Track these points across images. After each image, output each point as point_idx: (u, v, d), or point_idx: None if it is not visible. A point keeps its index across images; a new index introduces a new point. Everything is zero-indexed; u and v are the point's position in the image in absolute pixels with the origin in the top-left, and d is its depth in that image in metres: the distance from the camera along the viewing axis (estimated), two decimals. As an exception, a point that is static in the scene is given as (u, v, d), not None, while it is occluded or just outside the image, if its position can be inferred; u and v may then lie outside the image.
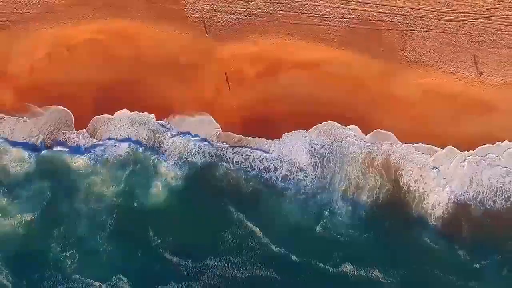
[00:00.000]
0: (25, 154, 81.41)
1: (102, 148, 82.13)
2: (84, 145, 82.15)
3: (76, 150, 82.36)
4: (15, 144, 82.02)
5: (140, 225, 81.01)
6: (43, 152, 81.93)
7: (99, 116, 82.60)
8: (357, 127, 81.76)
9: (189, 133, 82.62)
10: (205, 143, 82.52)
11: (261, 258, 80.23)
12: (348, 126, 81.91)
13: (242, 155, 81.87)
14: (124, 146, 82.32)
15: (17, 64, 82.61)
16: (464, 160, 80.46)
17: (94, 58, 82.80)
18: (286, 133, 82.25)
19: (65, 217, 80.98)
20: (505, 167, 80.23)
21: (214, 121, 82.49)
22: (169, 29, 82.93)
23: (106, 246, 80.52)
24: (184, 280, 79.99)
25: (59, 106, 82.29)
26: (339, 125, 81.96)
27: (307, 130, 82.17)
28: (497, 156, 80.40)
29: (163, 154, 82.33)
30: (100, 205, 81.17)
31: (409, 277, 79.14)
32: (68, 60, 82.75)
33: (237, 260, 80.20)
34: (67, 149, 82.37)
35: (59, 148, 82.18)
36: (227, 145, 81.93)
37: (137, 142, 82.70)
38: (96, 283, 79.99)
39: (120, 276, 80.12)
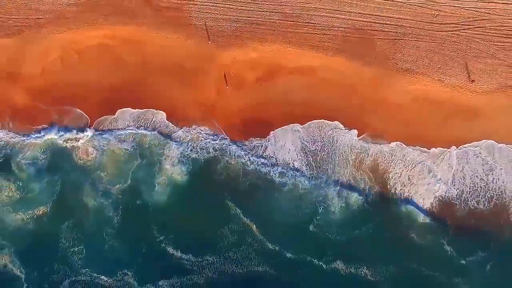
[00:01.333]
0: (37, 152, 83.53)
1: (107, 138, 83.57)
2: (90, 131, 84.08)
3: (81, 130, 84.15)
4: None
5: (144, 220, 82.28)
6: (53, 135, 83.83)
7: (104, 117, 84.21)
8: (349, 128, 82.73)
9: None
10: (207, 132, 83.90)
11: (258, 254, 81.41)
12: (337, 124, 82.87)
13: (242, 152, 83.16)
14: (129, 142, 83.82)
15: (30, 66, 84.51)
16: (450, 151, 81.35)
17: (103, 61, 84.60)
18: (279, 128, 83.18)
19: (73, 213, 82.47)
20: (485, 156, 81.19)
21: (220, 129, 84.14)
22: (173, 35, 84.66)
23: (112, 241, 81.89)
24: (186, 274, 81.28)
25: (77, 110, 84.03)
26: (330, 122, 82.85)
27: (301, 124, 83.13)
28: (475, 147, 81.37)
29: (169, 147, 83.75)
30: (106, 201, 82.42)
31: (397, 274, 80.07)
32: (78, 64, 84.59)
33: (236, 256, 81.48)
34: (74, 132, 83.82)
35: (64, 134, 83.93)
36: (231, 140, 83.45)
37: (142, 138, 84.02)
38: (103, 277, 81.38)
39: (126, 271, 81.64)
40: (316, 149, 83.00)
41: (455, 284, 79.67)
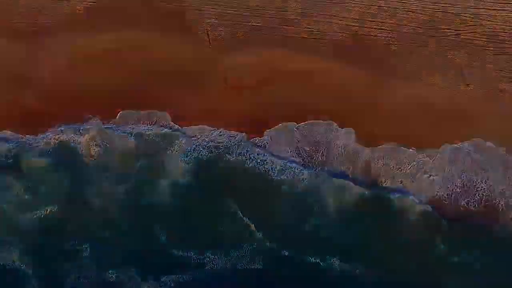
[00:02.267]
0: (45, 153, 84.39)
1: (112, 138, 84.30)
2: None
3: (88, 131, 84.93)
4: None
5: (147, 219, 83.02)
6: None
7: (110, 118, 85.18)
8: (344, 130, 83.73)
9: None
10: (209, 132, 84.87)
11: (256, 252, 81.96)
12: (332, 124, 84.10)
13: (241, 151, 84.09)
14: (133, 142, 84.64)
15: (38, 70, 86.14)
16: (442, 152, 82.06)
17: (108, 65, 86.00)
18: (275, 127, 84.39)
19: (79, 212, 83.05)
20: (473, 152, 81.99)
21: (221, 129, 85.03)
22: (175, 40, 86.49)
23: (116, 239, 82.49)
24: (187, 271, 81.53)
25: (84, 111, 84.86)
26: (325, 123, 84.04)
27: (296, 123, 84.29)
28: (464, 143, 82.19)
29: (172, 146, 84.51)
30: (111, 199, 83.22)
31: (391, 271, 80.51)
32: (84, 67, 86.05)
33: (235, 254, 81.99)
34: (81, 133, 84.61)
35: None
36: (231, 140, 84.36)
37: (146, 138, 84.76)
38: (107, 273, 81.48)
39: (129, 267, 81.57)
40: (311, 148, 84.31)
41: (447, 282, 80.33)
